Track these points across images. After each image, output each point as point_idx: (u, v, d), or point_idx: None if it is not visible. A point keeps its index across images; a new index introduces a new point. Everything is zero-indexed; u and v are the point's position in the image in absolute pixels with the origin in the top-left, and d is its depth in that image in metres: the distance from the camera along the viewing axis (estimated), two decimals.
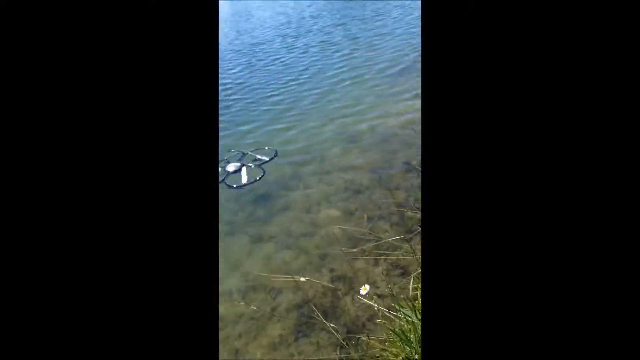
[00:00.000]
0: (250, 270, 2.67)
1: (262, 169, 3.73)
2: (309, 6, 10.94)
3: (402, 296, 1.91)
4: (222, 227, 3.13)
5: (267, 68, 6.89)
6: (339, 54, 6.75)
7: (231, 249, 2.89)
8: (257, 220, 3.14)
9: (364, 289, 2.06)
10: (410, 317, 1.74)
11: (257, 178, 3.58)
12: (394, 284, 2.21)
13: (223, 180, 3.67)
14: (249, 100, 5.66)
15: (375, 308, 2.02)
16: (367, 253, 2.56)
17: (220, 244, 2.89)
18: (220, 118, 4.35)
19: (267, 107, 5.28)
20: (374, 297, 2.22)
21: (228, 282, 2.59)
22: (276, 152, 3.98)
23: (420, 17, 0.83)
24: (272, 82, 6.16)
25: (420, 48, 0.78)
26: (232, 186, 3.56)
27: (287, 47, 7.77)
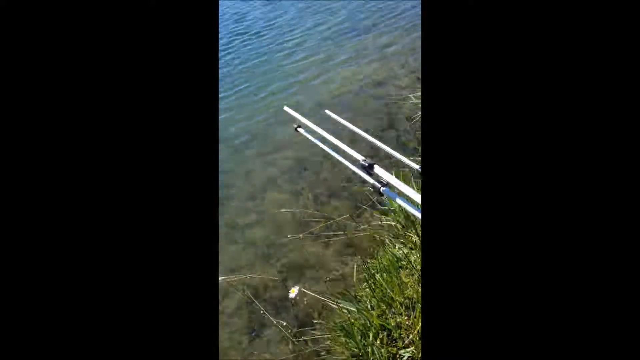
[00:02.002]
0: None
1: None
2: None
3: (342, 286, 1.77)
4: None
5: None
6: None
7: None
8: None
9: (293, 292, 1.92)
10: (350, 309, 1.62)
11: None
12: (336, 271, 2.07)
13: None
14: None
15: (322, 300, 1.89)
16: (315, 236, 2.42)
17: None
18: None
19: None
20: (327, 283, 2.09)
21: None
22: None
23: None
24: None
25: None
26: None
27: None
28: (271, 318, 2.03)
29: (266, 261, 2.43)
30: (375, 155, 2.26)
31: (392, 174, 1.10)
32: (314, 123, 1.28)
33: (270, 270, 2.35)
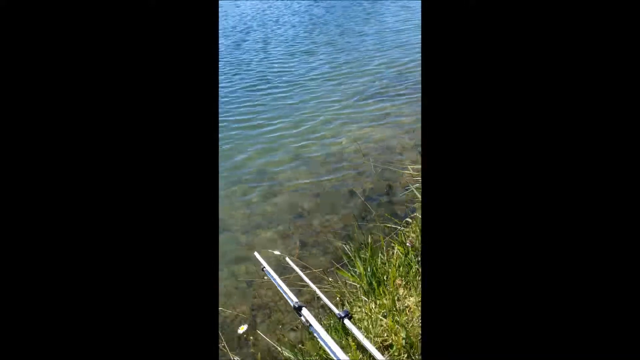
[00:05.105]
0: None
1: None
2: None
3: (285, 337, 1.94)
4: None
5: None
6: None
7: None
8: None
9: (242, 329, 2.13)
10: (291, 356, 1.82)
11: None
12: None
13: None
14: None
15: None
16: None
17: None
18: None
19: None
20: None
21: None
22: None
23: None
24: None
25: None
26: None
27: None
28: (229, 353, 2.21)
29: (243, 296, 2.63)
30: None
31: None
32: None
33: (240, 305, 2.54)
